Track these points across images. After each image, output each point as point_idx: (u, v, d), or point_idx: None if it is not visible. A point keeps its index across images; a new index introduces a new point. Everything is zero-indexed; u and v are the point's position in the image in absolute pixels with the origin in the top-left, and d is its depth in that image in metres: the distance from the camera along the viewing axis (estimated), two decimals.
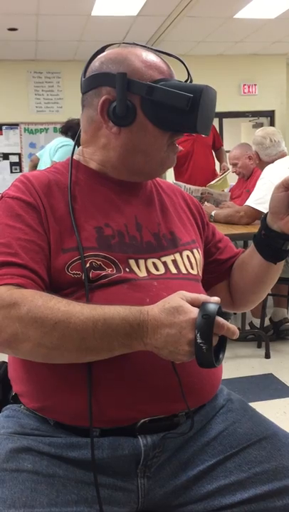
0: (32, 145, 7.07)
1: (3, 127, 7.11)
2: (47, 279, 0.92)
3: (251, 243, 1.10)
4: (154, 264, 0.99)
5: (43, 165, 4.63)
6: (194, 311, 0.79)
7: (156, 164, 1.02)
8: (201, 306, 0.80)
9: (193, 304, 0.81)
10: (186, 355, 0.80)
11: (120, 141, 1.00)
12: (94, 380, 0.89)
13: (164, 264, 1.00)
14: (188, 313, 0.79)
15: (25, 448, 0.89)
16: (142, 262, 0.98)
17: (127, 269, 0.95)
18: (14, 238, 0.91)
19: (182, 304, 0.81)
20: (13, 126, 7.12)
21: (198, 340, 0.77)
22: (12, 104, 7.01)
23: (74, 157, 1.06)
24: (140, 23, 5.80)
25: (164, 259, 1.00)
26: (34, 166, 4.90)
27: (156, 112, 0.96)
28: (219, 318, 0.79)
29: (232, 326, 0.80)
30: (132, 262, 0.97)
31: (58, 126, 7.54)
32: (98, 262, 0.93)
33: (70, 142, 4.41)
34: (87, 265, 0.92)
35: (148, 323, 0.81)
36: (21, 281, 0.87)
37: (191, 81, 1.03)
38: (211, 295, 1.15)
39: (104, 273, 0.93)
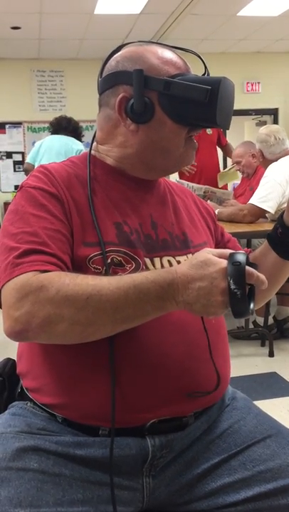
0: (83, 149, 7.08)
1: (7, 126, 7.12)
2: (72, 269, 0.91)
3: (254, 241, 1.09)
4: (169, 262, 0.99)
5: None
6: (224, 262, 0.80)
7: (174, 160, 1.02)
8: (230, 256, 0.81)
9: (220, 257, 0.82)
10: (219, 307, 0.80)
11: (138, 138, 0.99)
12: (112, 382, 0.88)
13: (179, 263, 0.99)
14: (218, 264, 0.80)
15: (32, 447, 0.89)
16: (157, 260, 0.98)
17: (144, 267, 0.95)
18: (40, 227, 0.90)
19: (210, 257, 0.81)
20: (16, 124, 7.13)
21: (232, 287, 0.77)
22: (15, 102, 7.02)
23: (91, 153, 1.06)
24: (143, 21, 5.80)
25: (178, 258, 1.00)
26: None
27: (174, 107, 0.96)
28: (249, 267, 0.80)
29: (261, 275, 0.81)
30: (147, 260, 0.97)
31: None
32: (119, 258, 0.93)
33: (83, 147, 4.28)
34: (108, 261, 0.92)
35: (178, 280, 0.81)
36: (51, 268, 0.86)
37: (208, 75, 1.02)
38: None
39: (123, 269, 0.93)
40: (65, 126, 4.39)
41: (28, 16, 5.49)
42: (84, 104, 6.70)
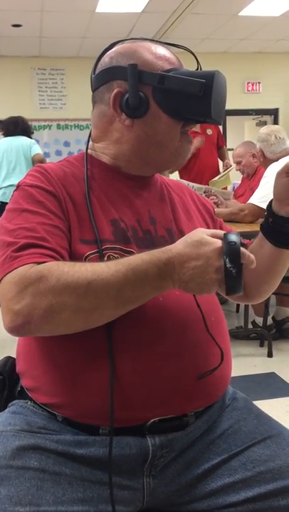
0: (35, 141, 7.07)
1: None
2: None
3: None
4: None
5: (19, 173, 4.39)
6: (218, 241, 0.83)
7: (170, 154, 1.02)
8: (224, 236, 0.84)
9: (213, 237, 0.84)
10: (213, 284, 0.83)
11: (134, 133, 0.99)
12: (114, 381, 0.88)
13: None
14: (213, 243, 0.83)
15: (32, 446, 0.89)
16: None
17: None
18: (38, 223, 0.90)
19: (204, 237, 0.84)
20: None
21: (228, 265, 0.81)
22: (16, 100, 7.01)
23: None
24: (144, 19, 5.80)
25: None
26: None
27: (169, 101, 0.96)
28: (242, 248, 0.83)
29: (251, 255, 0.84)
30: None
31: (62, 123, 7.58)
32: (116, 256, 0.93)
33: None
34: (105, 259, 0.92)
35: (174, 259, 0.83)
36: (49, 260, 0.85)
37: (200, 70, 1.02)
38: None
39: None
40: (12, 130, 4.58)
41: (29, 14, 5.48)
42: (84, 102, 6.69)
